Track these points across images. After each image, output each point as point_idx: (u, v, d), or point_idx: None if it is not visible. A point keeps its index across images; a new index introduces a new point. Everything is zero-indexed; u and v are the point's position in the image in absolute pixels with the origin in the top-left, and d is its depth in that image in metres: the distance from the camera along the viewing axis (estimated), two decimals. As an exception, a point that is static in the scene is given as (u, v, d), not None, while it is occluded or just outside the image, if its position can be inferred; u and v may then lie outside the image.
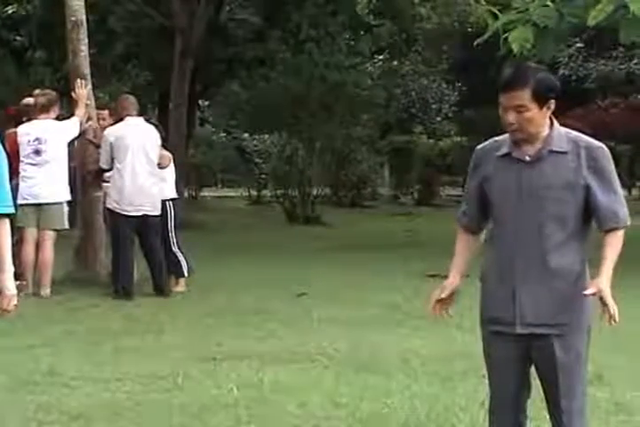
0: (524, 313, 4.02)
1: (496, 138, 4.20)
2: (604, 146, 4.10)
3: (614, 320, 3.93)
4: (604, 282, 3.93)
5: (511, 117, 3.98)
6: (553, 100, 4.02)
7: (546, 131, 4.05)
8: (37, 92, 11.16)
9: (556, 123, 4.09)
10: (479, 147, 4.26)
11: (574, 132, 4.12)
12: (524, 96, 3.94)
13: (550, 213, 4.00)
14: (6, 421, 5.68)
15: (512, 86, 3.96)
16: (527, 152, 4.05)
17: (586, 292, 3.93)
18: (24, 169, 10.43)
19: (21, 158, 10.41)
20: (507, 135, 4.14)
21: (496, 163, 4.11)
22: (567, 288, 4.02)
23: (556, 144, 4.03)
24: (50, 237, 10.56)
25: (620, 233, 4.06)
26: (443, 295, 4.19)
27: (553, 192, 4.00)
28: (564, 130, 4.09)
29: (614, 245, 4.03)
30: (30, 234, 10.49)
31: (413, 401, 6.16)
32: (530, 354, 4.09)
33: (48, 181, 10.48)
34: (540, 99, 3.96)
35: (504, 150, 4.10)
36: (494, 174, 4.11)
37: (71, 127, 10.76)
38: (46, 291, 10.41)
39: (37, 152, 10.50)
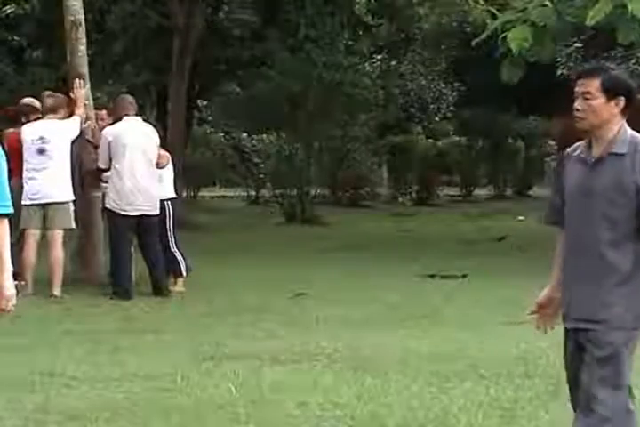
0: (571, 308, 4.21)
1: (581, 142, 4.36)
2: None
3: None
4: None
5: (578, 104, 4.17)
6: (623, 98, 4.15)
7: (613, 132, 4.16)
8: (47, 93, 11.17)
9: (626, 127, 4.19)
10: (569, 149, 4.41)
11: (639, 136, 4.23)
12: (592, 84, 4.13)
13: (602, 214, 4.14)
14: (5, 421, 5.67)
15: (584, 74, 4.20)
16: (593, 154, 4.20)
17: None
18: (27, 169, 10.41)
19: (25, 158, 10.40)
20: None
21: (572, 163, 4.29)
22: (615, 287, 4.12)
23: (618, 147, 4.16)
24: (59, 236, 10.53)
25: None
26: (533, 308, 4.40)
27: (606, 193, 4.13)
28: (631, 133, 4.20)
29: None
30: (32, 236, 10.43)
31: (412, 401, 6.16)
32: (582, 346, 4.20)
33: (52, 181, 10.45)
34: (608, 91, 4.13)
35: (578, 151, 4.28)
36: (568, 174, 4.29)
37: (73, 126, 10.75)
38: (58, 290, 10.34)
39: (41, 151, 10.48)
